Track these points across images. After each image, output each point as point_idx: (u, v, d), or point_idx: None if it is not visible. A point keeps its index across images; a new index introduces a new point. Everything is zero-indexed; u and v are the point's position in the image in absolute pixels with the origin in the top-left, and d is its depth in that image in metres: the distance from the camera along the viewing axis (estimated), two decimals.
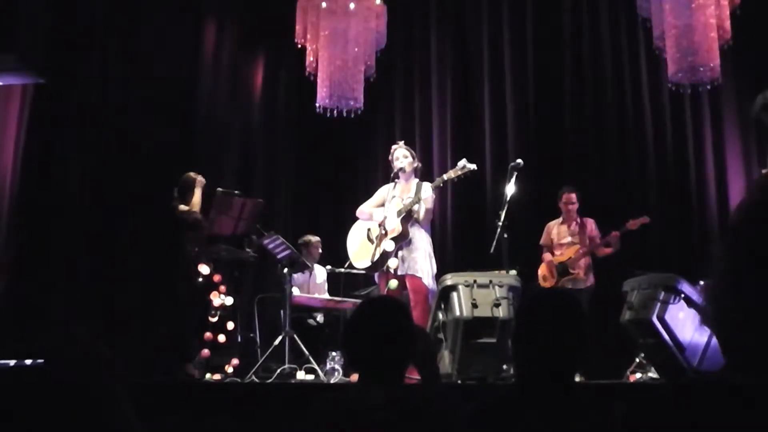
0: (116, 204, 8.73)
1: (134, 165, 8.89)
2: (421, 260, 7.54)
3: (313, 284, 9.73)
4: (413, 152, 8.03)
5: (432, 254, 7.73)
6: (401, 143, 8.04)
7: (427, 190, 7.64)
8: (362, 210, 8.04)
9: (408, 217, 7.59)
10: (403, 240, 7.55)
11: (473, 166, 7.55)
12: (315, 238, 9.87)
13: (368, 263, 7.68)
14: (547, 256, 8.99)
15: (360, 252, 7.88)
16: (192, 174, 8.41)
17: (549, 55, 10.98)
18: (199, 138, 10.06)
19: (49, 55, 8.32)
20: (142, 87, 9.11)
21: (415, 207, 7.58)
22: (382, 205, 7.87)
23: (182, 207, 8.26)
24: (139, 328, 8.48)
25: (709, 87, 8.69)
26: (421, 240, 7.63)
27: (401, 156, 7.87)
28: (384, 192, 7.96)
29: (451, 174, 7.58)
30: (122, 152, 8.90)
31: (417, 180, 7.88)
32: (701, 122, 10.30)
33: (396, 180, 7.82)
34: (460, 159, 7.65)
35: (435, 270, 7.65)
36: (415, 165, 7.94)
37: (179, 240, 8.20)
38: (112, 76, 9.08)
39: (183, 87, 9.85)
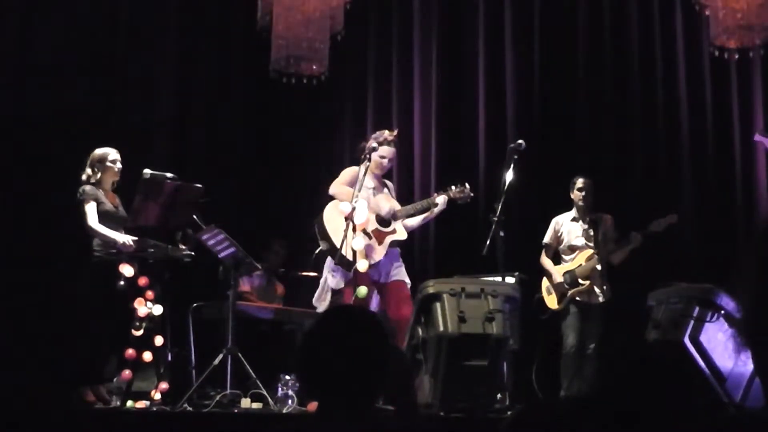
0: (4, 184, 8.65)
1: (30, 135, 8.79)
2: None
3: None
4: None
5: None
6: (394, 134, 8.21)
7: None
8: (339, 192, 7.99)
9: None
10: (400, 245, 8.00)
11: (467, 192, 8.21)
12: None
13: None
14: (552, 272, 8.97)
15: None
16: (106, 149, 8.39)
17: (560, 7, 10.92)
18: (119, 104, 9.97)
19: None
20: (44, 39, 9.03)
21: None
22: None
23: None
24: (34, 338, 8.42)
25: (762, 51, 8.65)
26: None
27: (392, 156, 8.21)
28: (353, 174, 7.98)
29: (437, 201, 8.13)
30: (14, 120, 8.81)
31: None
32: (751, 96, 10.19)
33: (366, 165, 7.86)
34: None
35: None
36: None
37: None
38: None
39: (98, 41, 9.77)
